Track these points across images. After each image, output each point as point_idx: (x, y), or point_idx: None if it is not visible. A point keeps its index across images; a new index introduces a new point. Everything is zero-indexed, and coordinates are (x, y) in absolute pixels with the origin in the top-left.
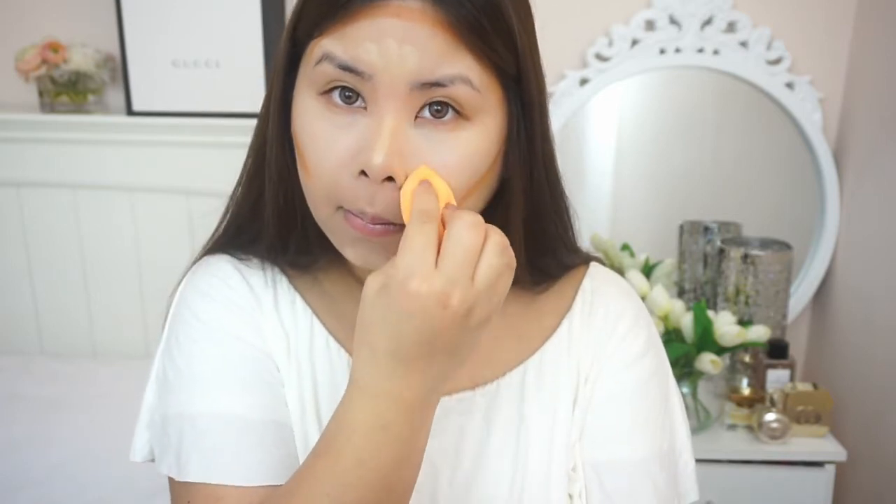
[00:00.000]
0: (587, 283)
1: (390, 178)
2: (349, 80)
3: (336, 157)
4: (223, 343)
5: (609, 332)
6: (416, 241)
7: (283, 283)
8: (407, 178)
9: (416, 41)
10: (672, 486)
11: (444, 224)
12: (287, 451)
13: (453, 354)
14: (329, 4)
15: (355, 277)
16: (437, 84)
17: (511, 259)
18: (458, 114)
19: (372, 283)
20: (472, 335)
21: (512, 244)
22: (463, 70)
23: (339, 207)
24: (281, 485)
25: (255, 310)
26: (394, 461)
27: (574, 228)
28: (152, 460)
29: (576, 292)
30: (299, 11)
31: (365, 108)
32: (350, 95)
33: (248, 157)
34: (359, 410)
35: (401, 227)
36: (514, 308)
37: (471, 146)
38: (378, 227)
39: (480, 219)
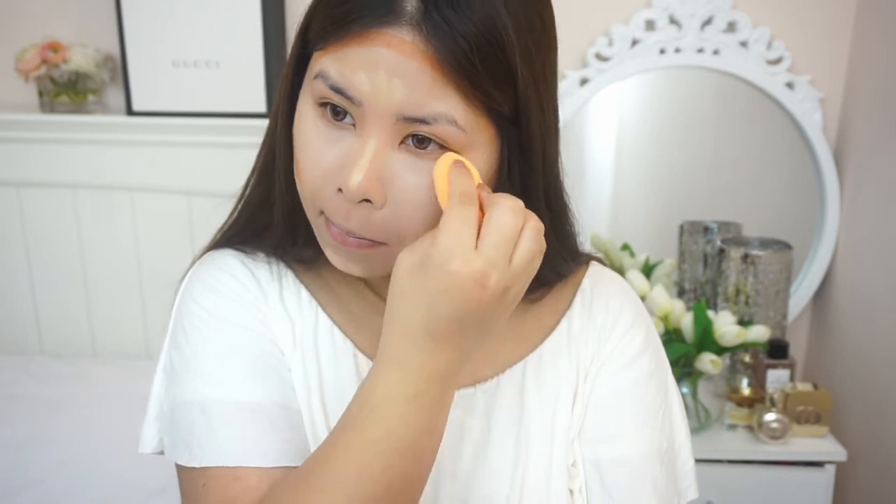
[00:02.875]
0: (587, 283)
1: (367, 200)
2: (339, 101)
3: (322, 167)
4: (229, 332)
5: (609, 331)
6: (456, 223)
7: (288, 276)
8: (389, 200)
9: (404, 75)
10: (672, 483)
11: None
12: (298, 433)
13: (486, 330)
14: (331, 22)
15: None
16: (421, 121)
17: (543, 244)
18: (442, 146)
19: (404, 261)
20: (506, 312)
21: None
22: (448, 109)
23: (322, 213)
24: (296, 466)
25: (261, 301)
26: (421, 430)
27: (578, 244)
28: (161, 452)
29: (575, 291)
30: (310, 16)
31: (354, 125)
32: (340, 112)
33: (259, 152)
34: (388, 383)
35: (378, 244)
36: (515, 310)
37: None
38: (353, 239)
39: (520, 203)
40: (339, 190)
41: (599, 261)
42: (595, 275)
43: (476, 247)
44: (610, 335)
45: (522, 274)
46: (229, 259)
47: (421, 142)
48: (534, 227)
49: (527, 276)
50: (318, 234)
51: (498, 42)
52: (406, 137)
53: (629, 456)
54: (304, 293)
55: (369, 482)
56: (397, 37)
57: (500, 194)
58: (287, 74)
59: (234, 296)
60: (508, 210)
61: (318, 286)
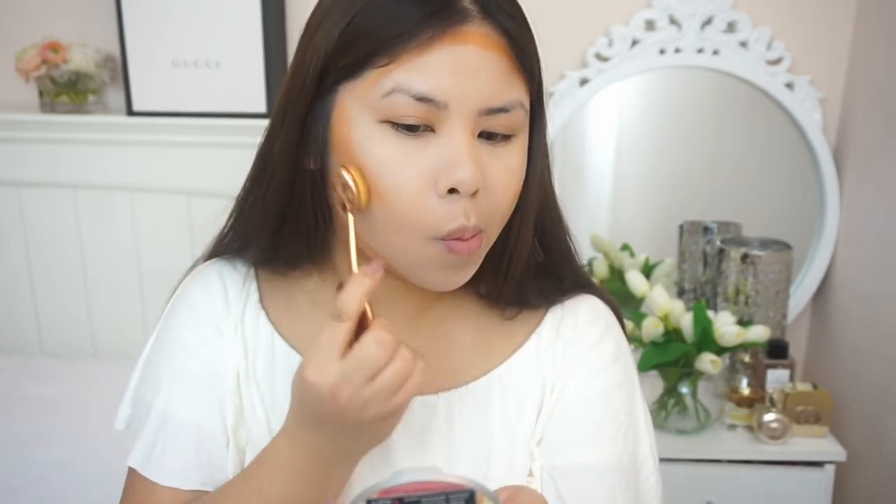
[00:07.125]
0: (563, 305)
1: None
2: (421, 112)
3: (416, 181)
4: (187, 356)
5: (577, 343)
6: (324, 336)
7: (252, 299)
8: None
9: (487, 68)
10: (631, 497)
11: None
12: (217, 458)
13: (357, 435)
14: (396, 35)
15: (331, 295)
16: (500, 110)
17: (413, 383)
18: (506, 137)
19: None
20: (373, 425)
21: (517, 261)
22: (519, 95)
23: (434, 239)
24: (208, 491)
25: (227, 328)
26: (294, 498)
27: (580, 269)
28: None
29: (548, 310)
30: (349, 37)
31: (433, 130)
32: (414, 125)
33: (252, 166)
34: (280, 447)
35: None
36: (486, 324)
37: (515, 160)
38: (474, 239)
39: (390, 338)
40: (450, 191)
41: (602, 295)
42: (578, 300)
43: (339, 360)
44: (578, 347)
45: (384, 398)
46: (214, 278)
47: (490, 137)
48: (403, 360)
49: (387, 401)
50: (422, 264)
51: (529, 26)
52: (479, 133)
53: (586, 464)
54: (263, 320)
55: None
56: (479, 32)
57: (380, 322)
58: (302, 97)
59: (200, 322)
60: (374, 342)
61: (282, 309)
